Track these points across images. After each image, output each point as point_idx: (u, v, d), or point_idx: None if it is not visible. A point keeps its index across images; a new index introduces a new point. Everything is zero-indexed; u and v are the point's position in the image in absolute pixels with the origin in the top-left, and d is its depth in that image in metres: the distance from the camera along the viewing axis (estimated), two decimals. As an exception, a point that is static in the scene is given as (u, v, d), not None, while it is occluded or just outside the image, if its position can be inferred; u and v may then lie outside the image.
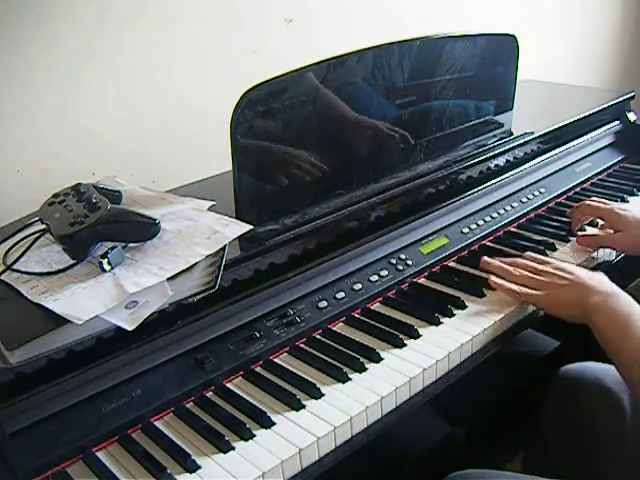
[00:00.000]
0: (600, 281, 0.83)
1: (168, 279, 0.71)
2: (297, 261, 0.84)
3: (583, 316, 0.80)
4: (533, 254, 0.94)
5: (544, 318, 0.89)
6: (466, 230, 1.03)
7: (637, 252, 0.99)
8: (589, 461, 0.89)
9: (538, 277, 0.87)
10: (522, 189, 1.14)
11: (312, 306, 0.84)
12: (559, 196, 1.19)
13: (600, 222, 1.06)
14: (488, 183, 1.08)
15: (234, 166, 0.83)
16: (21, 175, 1.03)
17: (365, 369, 0.76)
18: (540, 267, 0.89)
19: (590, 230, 1.06)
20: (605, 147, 1.33)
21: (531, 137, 1.14)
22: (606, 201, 1.06)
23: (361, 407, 0.70)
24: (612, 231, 1.01)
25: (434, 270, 0.97)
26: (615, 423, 0.87)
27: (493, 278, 0.89)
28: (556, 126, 1.19)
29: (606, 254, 1.02)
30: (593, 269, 0.99)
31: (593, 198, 1.08)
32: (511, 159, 1.13)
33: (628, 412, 0.86)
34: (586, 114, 1.24)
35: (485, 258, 0.93)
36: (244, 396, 0.73)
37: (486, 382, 0.87)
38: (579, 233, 1.04)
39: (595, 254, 1.00)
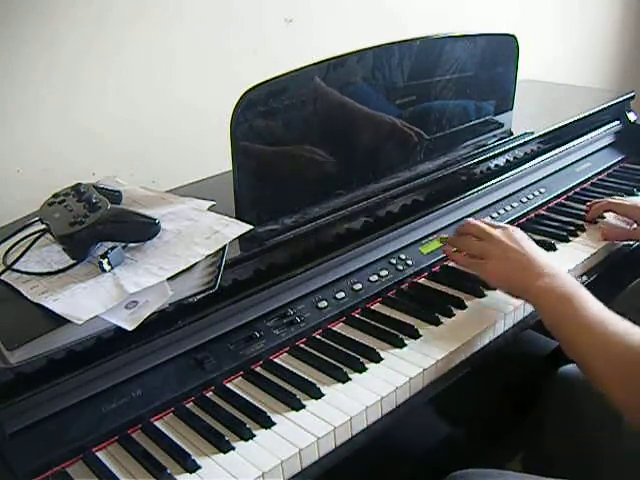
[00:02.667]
0: (544, 261, 0.82)
1: (168, 279, 0.71)
2: (297, 261, 0.84)
3: (524, 295, 0.81)
4: (481, 222, 0.92)
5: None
6: (466, 230, 1.03)
7: None
8: (587, 461, 0.89)
9: (485, 245, 0.86)
10: (522, 189, 1.14)
11: (312, 306, 0.84)
12: (559, 196, 1.19)
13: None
14: (488, 183, 1.08)
15: (234, 166, 0.83)
16: (21, 175, 1.03)
17: (365, 369, 0.76)
18: (488, 230, 0.88)
19: (611, 220, 1.08)
20: (605, 147, 1.33)
21: (531, 137, 1.14)
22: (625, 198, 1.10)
23: (361, 407, 0.70)
24: (635, 224, 1.04)
25: (434, 270, 0.97)
26: (612, 423, 0.87)
27: (446, 248, 0.93)
28: (556, 126, 1.18)
29: (619, 244, 1.04)
30: (609, 258, 1.02)
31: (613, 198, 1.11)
32: (511, 159, 1.13)
33: None
34: (586, 114, 1.24)
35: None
36: (244, 396, 0.73)
37: (486, 382, 0.87)
38: (601, 225, 1.07)
39: (609, 244, 1.03)
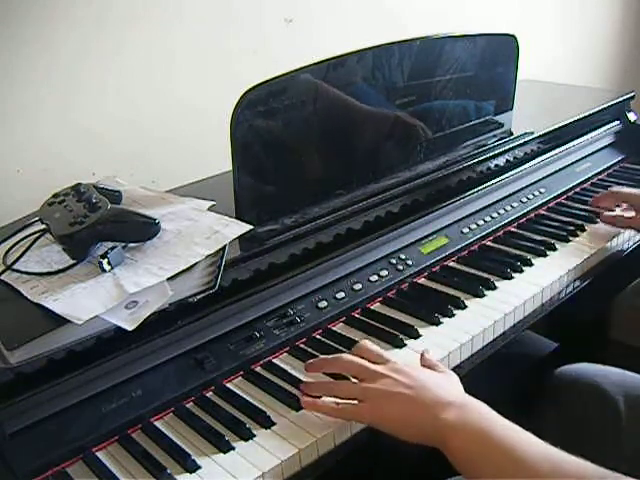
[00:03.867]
0: (450, 388, 0.66)
1: (168, 279, 0.71)
2: (297, 261, 0.84)
3: (428, 438, 0.62)
4: (368, 344, 0.73)
5: (543, 320, 0.89)
6: (466, 230, 1.03)
7: None
8: (587, 461, 0.89)
9: (362, 384, 0.67)
10: (522, 189, 1.15)
11: (312, 306, 0.84)
12: (559, 196, 1.19)
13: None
14: (488, 183, 1.08)
15: (234, 166, 0.83)
16: (21, 175, 1.03)
17: (365, 369, 0.76)
18: (372, 367, 0.68)
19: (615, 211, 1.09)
20: (605, 147, 1.33)
21: (531, 137, 1.14)
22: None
23: (361, 407, 0.70)
24: (634, 213, 1.05)
25: (434, 270, 0.97)
26: (611, 424, 0.87)
27: (305, 398, 0.70)
28: (556, 126, 1.19)
29: (619, 244, 1.04)
30: (609, 258, 1.01)
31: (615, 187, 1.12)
32: (511, 159, 1.13)
33: (624, 413, 0.87)
34: (586, 114, 1.24)
35: (304, 384, 0.73)
36: (244, 396, 0.73)
37: (484, 382, 0.86)
38: (604, 214, 1.08)
39: (609, 244, 1.02)
